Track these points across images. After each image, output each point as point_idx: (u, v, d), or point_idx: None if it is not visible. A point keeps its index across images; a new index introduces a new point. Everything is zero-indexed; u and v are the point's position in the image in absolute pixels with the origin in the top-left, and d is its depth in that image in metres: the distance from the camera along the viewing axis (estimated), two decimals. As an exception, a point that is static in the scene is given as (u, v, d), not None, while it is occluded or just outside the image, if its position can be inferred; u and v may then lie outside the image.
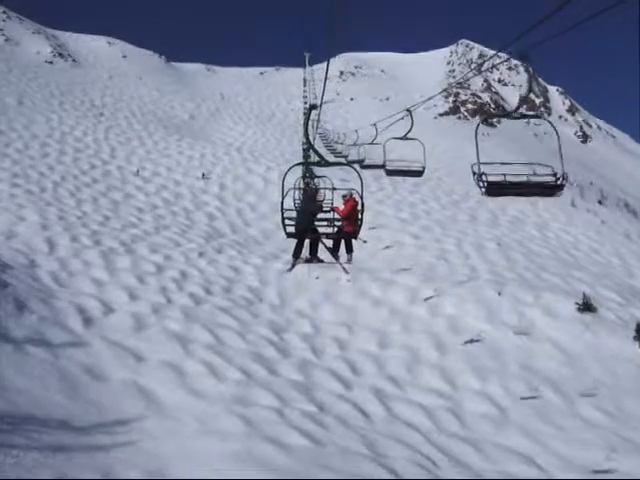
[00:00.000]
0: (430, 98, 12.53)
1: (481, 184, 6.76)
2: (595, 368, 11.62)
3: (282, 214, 10.39)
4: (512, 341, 12.68)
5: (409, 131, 11.53)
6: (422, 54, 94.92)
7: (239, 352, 11.56)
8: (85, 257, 15.80)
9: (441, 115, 66.20)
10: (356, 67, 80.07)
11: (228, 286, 15.39)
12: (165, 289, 14.45)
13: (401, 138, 12.03)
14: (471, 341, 12.83)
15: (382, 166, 14.59)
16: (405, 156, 13.99)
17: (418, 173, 12.94)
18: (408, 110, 11.42)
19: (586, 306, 13.92)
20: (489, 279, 16.40)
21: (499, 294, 14.75)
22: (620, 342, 12.56)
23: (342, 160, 21.83)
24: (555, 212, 28.06)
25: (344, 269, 16.56)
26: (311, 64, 65.99)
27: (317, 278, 15.86)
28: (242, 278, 16.13)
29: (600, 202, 38.17)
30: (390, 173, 13.45)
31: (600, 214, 30.67)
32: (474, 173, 6.73)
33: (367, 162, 16.88)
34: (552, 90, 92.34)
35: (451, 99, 71.85)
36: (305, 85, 56.85)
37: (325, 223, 13.35)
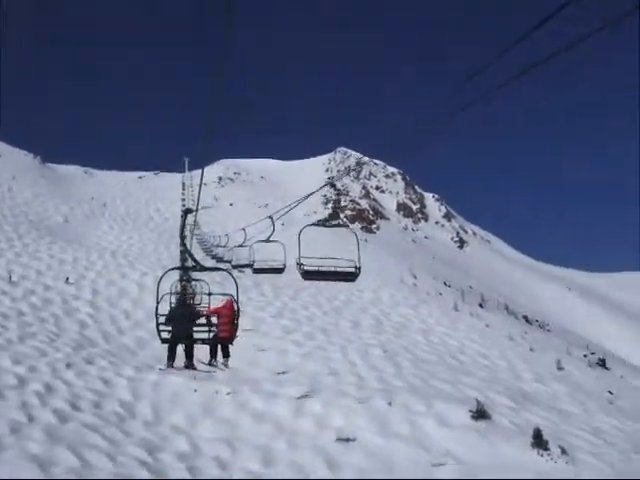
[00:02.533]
0: (299, 201, 11.19)
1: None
2: (495, 481, 11.02)
3: (157, 319, 9.99)
4: (407, 455, 11.97)
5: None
6: (301, 161, 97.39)
7: (108, 476, 10.25)
8: None
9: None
10: (235, 173, 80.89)
11: (98, 401, 14.01)
12: (27, 405, 12.96)
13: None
14: (347, 439, 12.12)
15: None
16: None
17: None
18: (270, 217, 12.02)
19: (480, 413, 13.52)
20: (378, 388, 15.82)
21: (389, 404, 14.15)
22: (517, 450, 12.14)
23: (219, 265, 21.60)
24: (438, 317, 28.23)
25: (224, 365, 15.85)
26: (190, 169, 66.11)
27: (195, 391, 14.80)
28: (113, 391, 14.80)
29: (481, 305, 38.99)
30: (257, 271, 15.34)
31: (483, 317, 31.17)
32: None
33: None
34: (428, 197, 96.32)
35: (331, 205, 73.38)
36: (183, 190, 56.81)
37: (202, 329, 12.81)
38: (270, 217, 11.96)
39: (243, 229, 16.74)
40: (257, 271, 15.80)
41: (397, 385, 16.29)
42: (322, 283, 33.10)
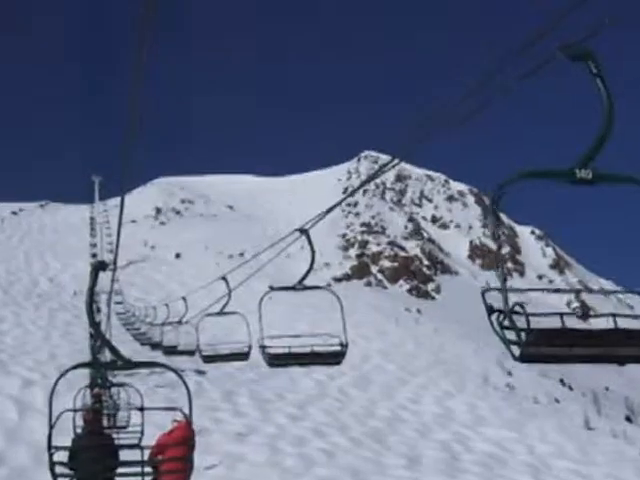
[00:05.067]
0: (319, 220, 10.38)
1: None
2: None
3: (50, 458, 9.54)
4: None
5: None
6: (302, 176, 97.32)
7: None
8: None
9: (338, 280, 66.07)
10: (184, 201, 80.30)
11: None
12: None
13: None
14: None
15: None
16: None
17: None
18: (301, 230, 10.43)
19: None
20: None
21: None
22: None
23: (156, 358, 21.35)
24: (559, 441, 27.69)
25: None
26: (104, 197, 66.17)
27: None
28: None
29: (629, 419, 38.46)
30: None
31: (635, 440, 30.58)
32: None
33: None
34: (524, 233, 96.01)
35: (354, 252, 72.09)
36: (94, 231, 56.88)
37: (131, 470, 12.28)
38: (301, 230, 10.49)
39: (224, 278, 15.62)
40: (274, 363, 13.13)
41: None
42: (345, 386, 32.85)
